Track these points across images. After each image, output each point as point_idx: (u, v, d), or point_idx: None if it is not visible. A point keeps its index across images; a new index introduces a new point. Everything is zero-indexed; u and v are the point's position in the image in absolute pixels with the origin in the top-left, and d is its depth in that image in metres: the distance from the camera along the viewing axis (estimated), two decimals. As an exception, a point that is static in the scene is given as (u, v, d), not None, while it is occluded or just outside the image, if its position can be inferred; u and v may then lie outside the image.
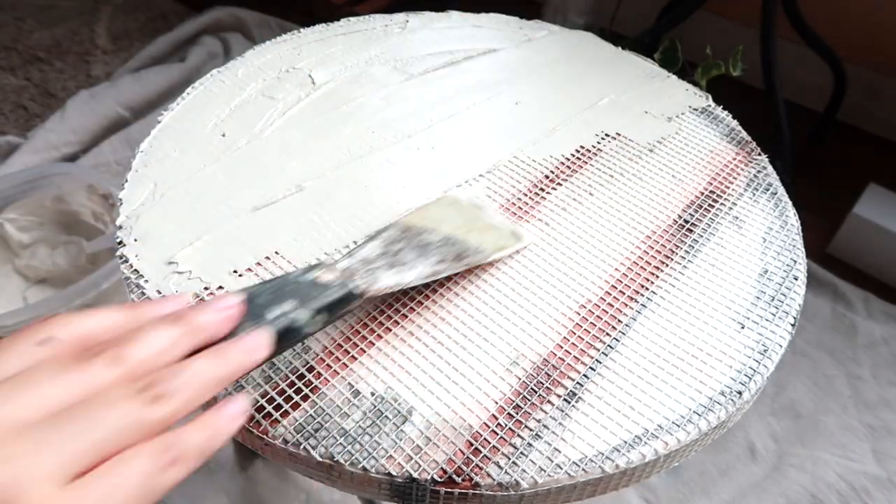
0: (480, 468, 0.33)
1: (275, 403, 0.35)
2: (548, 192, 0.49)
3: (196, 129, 0.52)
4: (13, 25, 1.48)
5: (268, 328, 0.27)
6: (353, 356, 0.38)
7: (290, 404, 0.35)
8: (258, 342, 0.25)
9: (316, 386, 0.36)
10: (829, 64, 1.25)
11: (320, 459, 0.33)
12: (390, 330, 0.39)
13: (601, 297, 0.42)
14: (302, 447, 0.34)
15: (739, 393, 0.37)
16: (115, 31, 1.50)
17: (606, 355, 0.39)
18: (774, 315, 0.42)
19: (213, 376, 0.20)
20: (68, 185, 0.97)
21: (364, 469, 0.33)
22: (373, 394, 0.36)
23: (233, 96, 0.55)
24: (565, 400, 0.36)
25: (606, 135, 0.55)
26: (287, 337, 0.29)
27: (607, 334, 0.40)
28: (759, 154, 0.55)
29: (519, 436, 0.35)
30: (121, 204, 0.46)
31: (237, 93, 0.56)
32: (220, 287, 0.41)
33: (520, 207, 0.48)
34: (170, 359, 0.19)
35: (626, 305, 0.42)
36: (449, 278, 0.42)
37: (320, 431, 0.34)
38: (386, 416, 0.35)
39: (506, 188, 0.49)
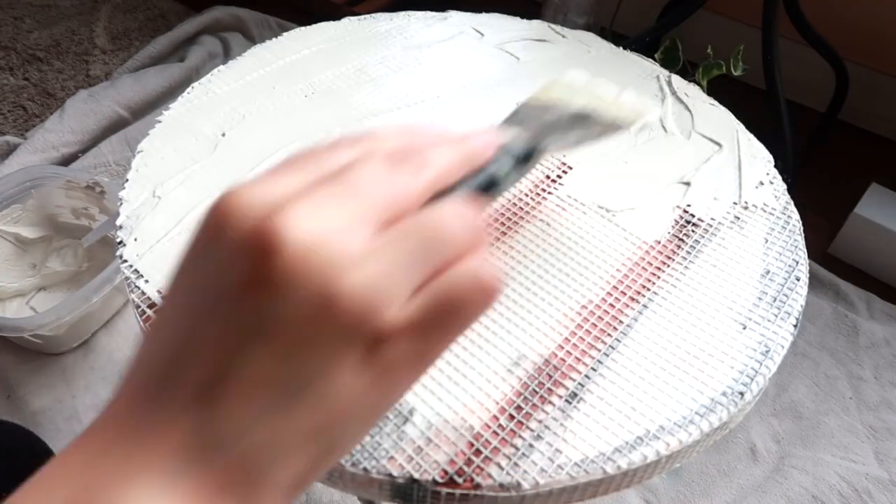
0: (482, 469, 0.33)
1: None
2: (549, 192, 0.49)
3: (196, 128, 0.52)
4: (12, 25, 1.48)
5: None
6: (353, 357, 0.38)
7: (290, 405, 0.35)
8: (489, 139, 0.28)
9: (316, 387, 0.36)
10: (830, 63, 1.24)
11: (320, 461, 0.33)
12: (391, 330, 0.39)
13: (602, 298, 0.42)
14: (302, 448, 0.33)
15: (741, 394, 0.37)
16: (115, 30, 1.50)
17: (608, 356, 0.39)
18: (776, 316, 0.42)
19: (454, 161, 0.25)
20: (44, 188, 0.96)
21: (365, 470, 0.33)
22: (373, 395, 0.36)
23: (233, 96, 0.55)
24: (567, 401, 0.36)
25: (607, 135, 0.54)
26: (489, 188, 0.28)
27: (609, 335, 0.40)
28: (761, 153, 0.54)
29: (520, 437, 0.34)
30: (121, 204, 0.46)
31: (237, 92, 0.56)
32: (220, 287, 0.41)
33: (521, 207, 0.48)
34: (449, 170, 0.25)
35: (628, 306, 0.42)
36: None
37: (320, 432, 0.34)
38: (387, 417, 0.35)
39: (507, 188, 0.49)
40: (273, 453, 0.21)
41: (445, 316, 0.21)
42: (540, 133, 0.33)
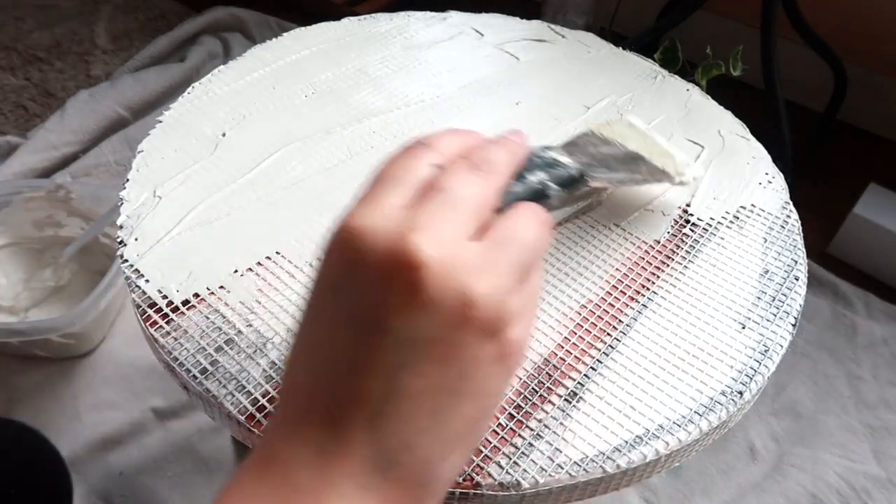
0: (481, 468, 0.33)
1: (276, 403, 0.35)
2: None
3: (196, 128, 0.52)
4: (13, 25, 1.48)
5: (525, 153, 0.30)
6: (353, 356, 0.38)
7: (290, 404, 0.35)
8: (520, 141, 0.30)
9: (317, 386, 0.36)
10: (829, 63, 1.25)
11: (321, 459, 0.33)
12: (391, 330, 0.39)
13: (602, 298, 0.42)
14: (303, 447, 0.34)
15: (740, 393, 0.37)
16: (115, 31, 1.50)
17: (607, 355, 0.39)
18: (775, 315, 0.42)
19: (510, 160, 0.28)
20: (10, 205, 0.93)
21: (365, 469, 0.33)
22: (374, 394, 0.36)
23: (233, 96, 0.55)
24: (566, 400, 0.36)
25: (607, 135, 0.55)
26: (538, 201, 0.30)
27: (608, 334, 0.40)
28: (760, 153, 0.54)
29: (520, 436, 0.35)
30: (121, 204, 0.46)
31: (237, 93, 0.56)
32: (222, 287, 0.41)
33: (520, 207, 0.48)
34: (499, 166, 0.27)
35: (627, 306, 0.42)
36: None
37: (321, 431, 0.34)
38: (387, 416, 0.35)
39: (506, 188, 0.49)
40: (438, 457, 0.23)
41: (535, 295, 0.26)
42: (592, 163, 0.35)
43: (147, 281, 0.41)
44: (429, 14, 0.67)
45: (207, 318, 0.39)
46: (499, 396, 0.25)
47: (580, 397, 0.37)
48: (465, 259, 0.23)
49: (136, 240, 0.43)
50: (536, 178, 0.30)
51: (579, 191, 0.34)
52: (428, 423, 0.23)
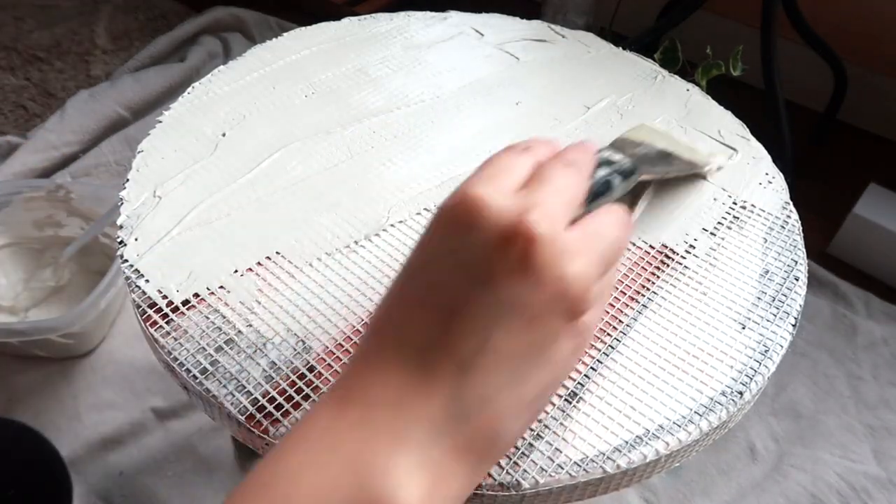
0: (481, 468, 0.33)
1: (276, 403, 0.35)
2: (548, 192, 0.49)
3: (196, 128, 0.52)
4: (13, 25, 1.48)
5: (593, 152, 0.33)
6: (353, 356, 0.38)
7: (291, 404, 0.35)
8: (591, 147, 0.33)
9: (317, 385, 0.36)
10: (829, 64, 1.25)
11: (321, 459, 0.33)
12: (391, 330, 0.39)
13: (602, 297, 0.42)
14: (303, 447, 0.34)
15: (740, 393, 0.37)
16: (115, 31, 1.50)
17: (607, 356, 0.39)
18: (775, 315, 0.42)
19: (589, 160, 0.32)
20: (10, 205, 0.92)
21: (365, 469, 0.33)
22: (374, 394, 0.36)
23: (233, 96, 0.55)
24: (566, 400, 0.36)
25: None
26: (604, 191, 0.33)
27: (608, 335, 0.40)
28: (760, 153, 0.54)
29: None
30: (121, 204, 0.46)
31: (237, 92, 0.56)
32: (222, 287, 0.41)
33: (520, 207, 0.48)
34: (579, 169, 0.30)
35: (627, 306, 0.42)
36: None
37: (321, 431, 0.34)
38: (387, 417, 0.35)
39: (506, 188, 0.49)
40: (508, 417, 0.25)
41: (610, 288, 0.30)
42: (636, 160, 0.38)
43: (147, 281, 0.41)
44: (429, 14, 0.67)
45: (207, 318, 0.39)
46: (566, 372, 0.28)
47: (580, 397, 0.37)
48: (567, 241, 0.25)
49: (136, 240, 0.43)
50: (603, 172, 0.34)
51: (633, 183, 0.37)
52: (507, 382, 0.25)
